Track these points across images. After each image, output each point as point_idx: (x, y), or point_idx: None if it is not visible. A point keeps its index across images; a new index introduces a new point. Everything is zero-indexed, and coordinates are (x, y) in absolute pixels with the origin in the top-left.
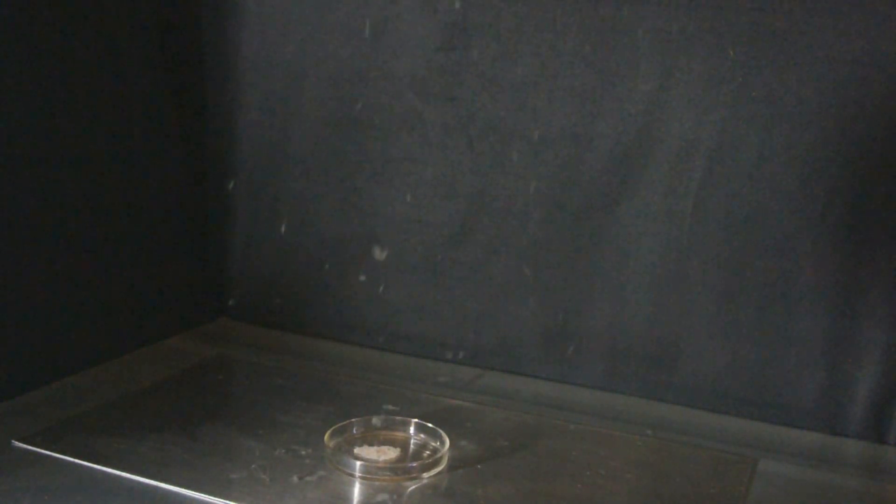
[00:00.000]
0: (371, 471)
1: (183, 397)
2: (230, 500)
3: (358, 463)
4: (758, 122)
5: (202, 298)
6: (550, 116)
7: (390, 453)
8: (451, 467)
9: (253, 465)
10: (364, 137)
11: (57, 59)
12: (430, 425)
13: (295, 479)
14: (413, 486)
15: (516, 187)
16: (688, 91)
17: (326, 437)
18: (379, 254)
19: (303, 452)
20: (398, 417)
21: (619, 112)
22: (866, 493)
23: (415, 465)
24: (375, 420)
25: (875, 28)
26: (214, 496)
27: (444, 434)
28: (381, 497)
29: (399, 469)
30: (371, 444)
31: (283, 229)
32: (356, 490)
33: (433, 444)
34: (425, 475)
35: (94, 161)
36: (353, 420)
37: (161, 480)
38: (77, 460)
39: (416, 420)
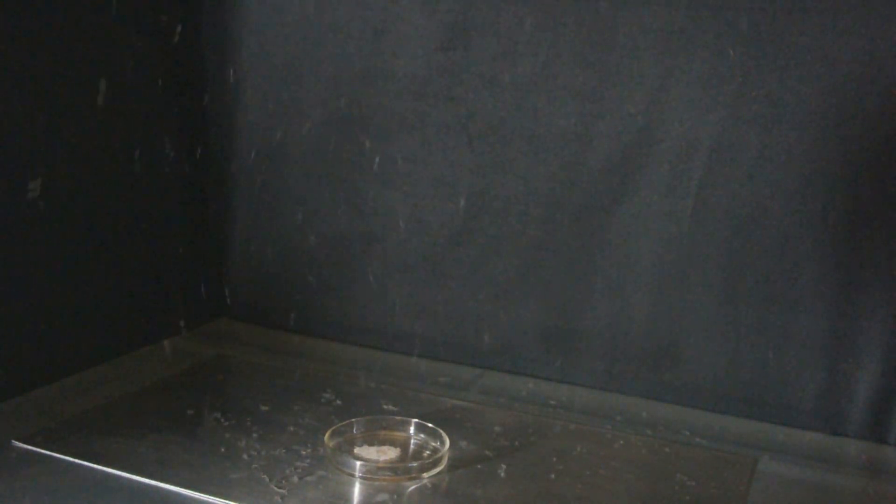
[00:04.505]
0: (371, 471)
1: (183, 397)
2: (230, 500)
3: (358, 463)
4: (758, 122)
5: (202, 298)
6: (550, 116)
7: (390, 453)
8: (451, 467)
9: (253, 465)
10: (364, 137)
11: (56, 60)
12: (430, 425)
13: (295, 479)
14: (413, 486)
15: (516, 187)
16: (688, 91)
17: (326, 437)
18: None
19: (303, 452)
20: (398, 417)
21: (619, 112)
22: (866, 493)
23: (415, 465)
24: (375, 420)
25: (875, 28)
26: (214, 496)
27: (444, 434)
28: (381, 497)
29: (399, 469)
30: (371, 444)
31: (283, 229)
32: (356, 490)
33: (433, 444)
34: (425, 475)
35: (94, 161)
36: (353, 420)
37: (161, 480)
38: (77, 460)
39: (416, 420)
